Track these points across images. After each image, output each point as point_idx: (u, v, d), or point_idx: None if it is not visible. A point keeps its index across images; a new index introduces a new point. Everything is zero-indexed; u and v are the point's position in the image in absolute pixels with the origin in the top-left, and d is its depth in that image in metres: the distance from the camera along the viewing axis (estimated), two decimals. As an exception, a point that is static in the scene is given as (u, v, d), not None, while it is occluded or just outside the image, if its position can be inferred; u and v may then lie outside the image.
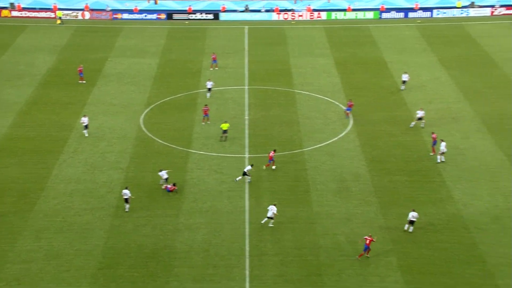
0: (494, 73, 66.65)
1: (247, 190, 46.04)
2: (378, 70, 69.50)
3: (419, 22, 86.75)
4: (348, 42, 79.44)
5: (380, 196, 45.38)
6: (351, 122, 56.79)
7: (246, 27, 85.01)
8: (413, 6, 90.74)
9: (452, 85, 64.16)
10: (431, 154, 50.15)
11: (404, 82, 62.79)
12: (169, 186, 45.41)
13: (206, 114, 55.79)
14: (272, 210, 41.67)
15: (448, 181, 46.77)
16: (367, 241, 38.70)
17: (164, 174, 46.06)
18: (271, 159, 48.39)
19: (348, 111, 56.91)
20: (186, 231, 41.50)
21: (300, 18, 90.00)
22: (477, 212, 42.94)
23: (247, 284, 37.12)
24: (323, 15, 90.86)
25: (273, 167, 48.41)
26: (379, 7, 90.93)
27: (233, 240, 40.78)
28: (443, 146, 48.86)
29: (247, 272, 37.98)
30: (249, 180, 46.57)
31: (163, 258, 39.13)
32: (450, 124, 55.82)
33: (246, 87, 64.84)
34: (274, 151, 48.97)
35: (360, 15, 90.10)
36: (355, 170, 48.92)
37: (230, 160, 50.07)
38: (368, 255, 38.89)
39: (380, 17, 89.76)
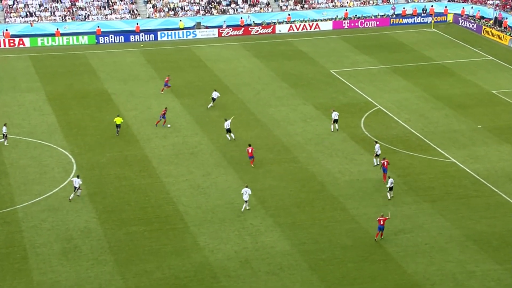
0: (229, 99, 70.77)
1: None
2: (101, 103, 69.47)
3: (142, 46, 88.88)
4: (62, 72, 78.45)
5: (116, 252, 45.03)
6: (74, 167, 55.73)
7: None
8: (134, 28, 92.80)
9: (186, 116, 66.59)
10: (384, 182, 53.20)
11: (213, 99, 67.78)
12: None
13: None
14: (247, 192, 48.59)
15: (192, 226, 48.12)
16: (381, 222, 44.37)
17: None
18: (251, 155, 55.82)
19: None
20: None
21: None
22: (226, 258, 44.71)
23: None
24: (27, 42, 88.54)
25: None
26: (95, 30, 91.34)
27: None
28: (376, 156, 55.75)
29: None
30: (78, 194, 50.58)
31: None
32: (188, 161, 57.70)
33: None
34: (250, 145, 56.48)
35: (73, 40, 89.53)
36: (83, 224, 47.99)
37: None
38: (382, 237, 45.02)
39: (97, 42, 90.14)
